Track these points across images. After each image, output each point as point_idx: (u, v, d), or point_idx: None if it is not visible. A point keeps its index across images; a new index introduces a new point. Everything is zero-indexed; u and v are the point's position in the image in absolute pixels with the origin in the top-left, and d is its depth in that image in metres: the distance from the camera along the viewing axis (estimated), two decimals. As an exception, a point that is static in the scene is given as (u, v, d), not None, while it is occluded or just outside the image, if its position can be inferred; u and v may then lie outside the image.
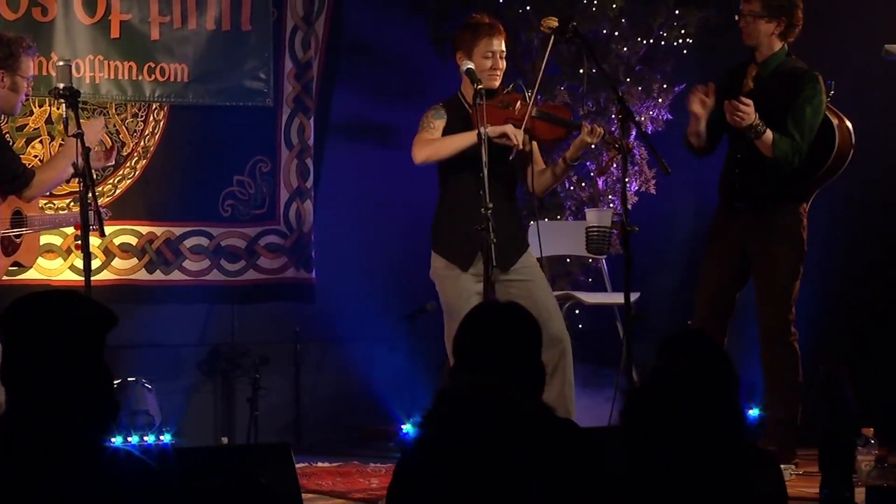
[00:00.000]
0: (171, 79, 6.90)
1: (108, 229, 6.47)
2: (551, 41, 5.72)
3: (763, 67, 5.88)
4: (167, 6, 6.87)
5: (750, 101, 5.68)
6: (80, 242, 5.21)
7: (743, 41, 5.91)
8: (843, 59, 7.00)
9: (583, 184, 7.38)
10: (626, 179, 6.92)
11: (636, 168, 7.29)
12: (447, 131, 5.68)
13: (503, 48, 5.69)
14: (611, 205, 7.09)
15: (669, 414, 2.48)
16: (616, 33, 7.34)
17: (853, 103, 6.62)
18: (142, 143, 6.92)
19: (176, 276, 7.01)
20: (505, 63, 5.72)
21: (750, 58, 5.93)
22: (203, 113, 7.02)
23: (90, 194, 5.15)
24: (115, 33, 6.76)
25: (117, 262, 6.86)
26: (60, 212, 6.49)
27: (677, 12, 7.39)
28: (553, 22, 5.66)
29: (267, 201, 7.17)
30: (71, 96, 5.25)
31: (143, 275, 6.92)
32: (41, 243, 6.25)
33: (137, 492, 2.53)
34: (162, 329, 7.08)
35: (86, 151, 5.17)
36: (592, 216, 5.84)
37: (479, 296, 5.43)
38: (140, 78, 6.84)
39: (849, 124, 5.93)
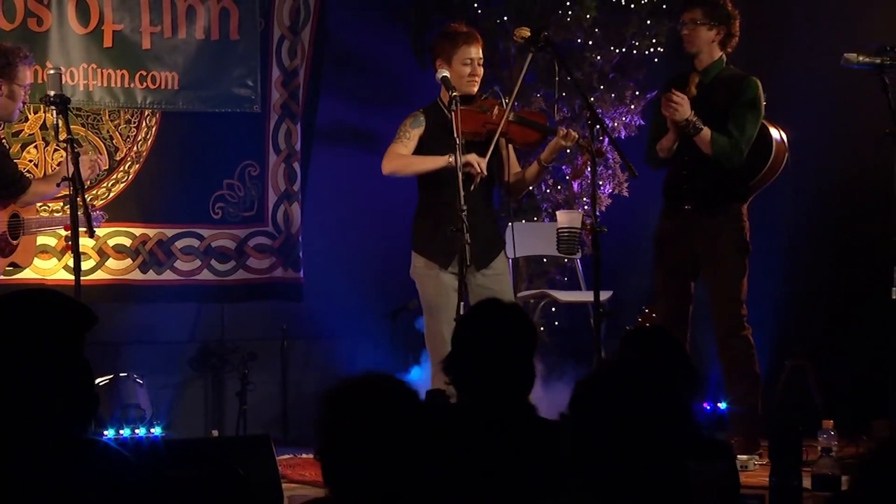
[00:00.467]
0: (162, 86, 6.93)
1: (102, 231, 6.58)
2: (529, 58, 5.81)
3: (705, 75, 6.00)
4: (158, 16, 6.89)
5: (684, 95, 5.82)
6: (70, 243, 5.33)
7: (684, 49, 6.04)
8: (806, 67, 7.18)
9: (559, 186, 7.46)
10: (600, 182, 7.10)
11: (610, 171, 7.36)
12: (426, 136, 5.78)
13: (481, 55, 5.80)
14: (585, 206, 7.08)
15: (613, 403, 2.56)
16: (590, 42, 7.42)
17: (818, 104, 6.80)
18: (135, 148, 6.96)
19: (168, 275, 7.05)
20: (482, 70, 5.82)
21: (690, 67, 6.06)
22: (193, 119, 7.05)
23: (80, 198, 5.28)
24: (107, 42, 6.79)
25: (112, 263, 6.90)
26: (55, 214, 6.53)
27: (648, 22, 7.47)
28: (525, 32, 5.75)
29: (256, 204, 7.20)
30: (61, 103, 5.37)
31: (136, 275, 6.96)
32: (37, 244, 6.36)
33: (114, 483, 2.52)
34: (154, 327, 7.16)
35: (75, 156, 5.29)
36: (563, 218, 5.85)
37: (456, 292, 5.52)
38: (132, 85, 6.87)
39: (783, 134, 6.07)
